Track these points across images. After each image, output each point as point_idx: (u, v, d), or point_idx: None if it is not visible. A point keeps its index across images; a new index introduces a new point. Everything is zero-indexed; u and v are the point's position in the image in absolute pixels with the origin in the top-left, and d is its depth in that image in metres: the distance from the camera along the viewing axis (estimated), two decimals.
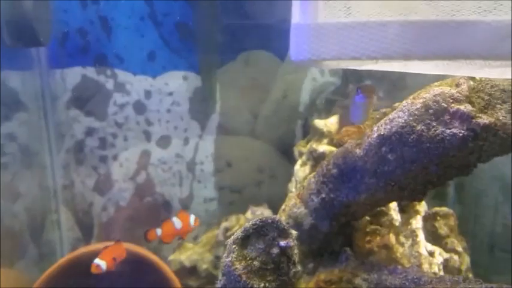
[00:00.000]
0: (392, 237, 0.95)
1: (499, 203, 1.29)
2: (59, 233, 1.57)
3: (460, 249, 1.09)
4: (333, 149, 1.14)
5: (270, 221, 0.73)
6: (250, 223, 0.74)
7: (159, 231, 1.20)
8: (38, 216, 1.52)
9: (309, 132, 1.33)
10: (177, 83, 1.59)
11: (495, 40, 0.40)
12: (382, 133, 0.78)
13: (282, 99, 1.63)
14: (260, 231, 0.73)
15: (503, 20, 0.40)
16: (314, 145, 1.16)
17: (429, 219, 1.12)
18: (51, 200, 1.56)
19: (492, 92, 0.73)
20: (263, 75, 1.64)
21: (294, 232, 0.77)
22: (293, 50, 0.49)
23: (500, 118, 0.71)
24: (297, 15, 0.48)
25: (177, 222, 1.22)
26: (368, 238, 0.94)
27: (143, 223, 1.53)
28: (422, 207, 1.10)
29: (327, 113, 1.53)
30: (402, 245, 0.96)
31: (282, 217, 1.01)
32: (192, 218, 1.25)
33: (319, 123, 1.20)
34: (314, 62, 0.48)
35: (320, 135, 1.19)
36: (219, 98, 1.62)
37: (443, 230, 1.10)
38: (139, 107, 1.58)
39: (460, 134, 0.70)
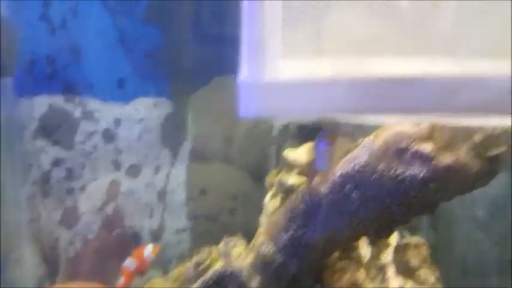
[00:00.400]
0: (362, 274, 0.93)
1: (471, 230, 1.29)
2: (24, 270, 1.50)
3: (432, 280, 1.08)
4: (303, 180, 1.12)
5: (228, 273, 0.71)
6: (209, 275, 0.71)
7: (121, 279, 1.17)
8: (1, 253, 1.46)
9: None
10: (148, 109, 1.56)
11: (444, 95, 0.39)
12: (345, 171, 0.77)
13: (254, 124, 1.61)
14: (220, 283, 0.71)
15: (452, 75, 0.39)
16: (284, 176, 1.14)
17: (401, 250, 1.10)
18: (15, 235, 1.50)
19: (453, 131, 0.73)
20: (236, 100, 1.62)
21: (254, 284, 0.75)
22: (241, 106, 0.48)
23: (461, 157, 0.70)
24: (244, 72, 0.47)
25: (130, 263, 1.18)
26: (337, 275, 0.92)
27: (112, 257, 1.48)
28: (394, 238, 1.08)
29: (300, 138, 1.52)
30: (372, 280, 0.95)
31: (251, 254, 0.98)
32: (149, 248, 1.20)
33: (289, 153, 1.18)
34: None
35: (289, 166, 1.17)
36: (192, 124, 1.60)
37: (415, 261, 1.09)
38: (108, 136, 1.54)
39: (421, 175, 0.69)
